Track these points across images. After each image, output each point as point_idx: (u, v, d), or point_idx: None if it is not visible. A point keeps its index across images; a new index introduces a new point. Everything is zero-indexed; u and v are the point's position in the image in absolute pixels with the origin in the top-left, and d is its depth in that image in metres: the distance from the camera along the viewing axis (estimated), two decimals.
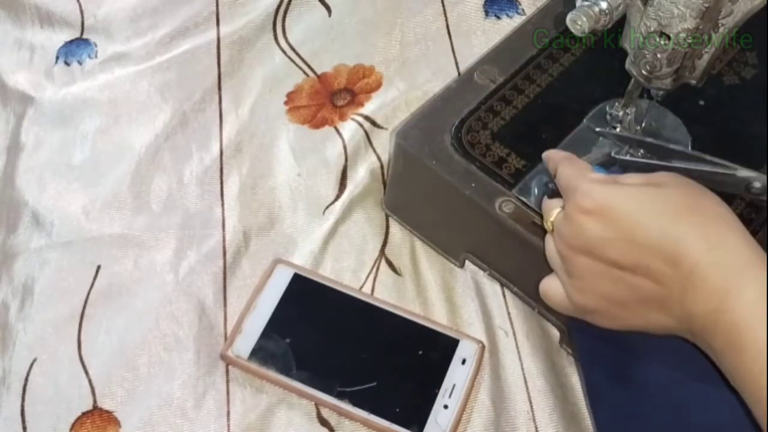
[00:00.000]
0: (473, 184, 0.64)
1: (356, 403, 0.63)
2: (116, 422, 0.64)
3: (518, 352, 0.67)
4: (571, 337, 0.65)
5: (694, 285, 0.47)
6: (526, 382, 0.66)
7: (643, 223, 0.49)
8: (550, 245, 0.56)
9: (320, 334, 0.66)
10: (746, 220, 0.62)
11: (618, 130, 0.65)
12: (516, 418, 0.64)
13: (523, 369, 0.66)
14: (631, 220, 0.49)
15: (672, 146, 0.59)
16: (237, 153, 0.78)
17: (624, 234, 0.49)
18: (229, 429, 0.64)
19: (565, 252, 0.53)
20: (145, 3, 0.89)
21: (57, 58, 0.85)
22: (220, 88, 0.83)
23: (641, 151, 0.61)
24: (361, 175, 0.76)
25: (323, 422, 0.64)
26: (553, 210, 0.56)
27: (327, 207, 0.75)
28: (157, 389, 0.66)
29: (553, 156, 0.59)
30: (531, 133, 0.66)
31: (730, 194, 0.62)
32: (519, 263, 0.66)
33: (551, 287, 0.56)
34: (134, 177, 0.77)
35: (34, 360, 0.67)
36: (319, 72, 0.84)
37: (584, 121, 0.66)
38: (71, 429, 0.64)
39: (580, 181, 0.53)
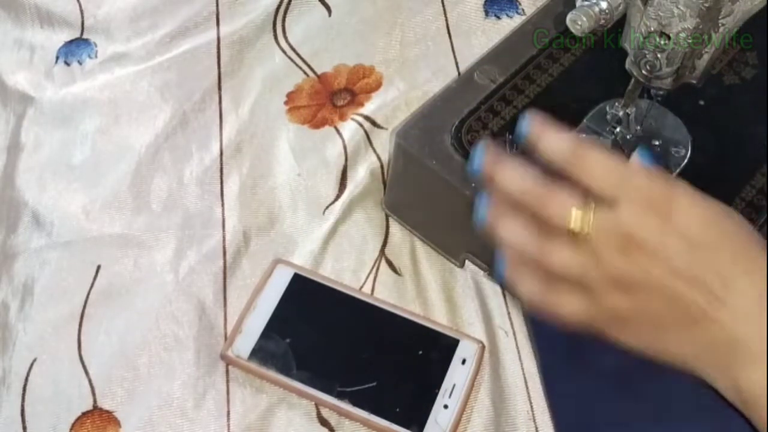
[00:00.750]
0: (473, 184, 0.64)
1: (356, 403, 0.63)
2: (116, 422, 0.64)
3: (518, 352, 0.67)
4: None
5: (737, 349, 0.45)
6: (526, 382, 0.66)
7: (713, 238, 0.47)
8: (574, 257, 0.46)
9: (320, 334, 0.66)
10: (746, 220, 0.62)
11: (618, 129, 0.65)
12: (516, 418, 0.64)
13: (523, 369, 0.66)
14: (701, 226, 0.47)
15: None
16: (237, 153, 0.78)
17: (693, 241, 0.46)
18: (229, 429, 0.64)
19: (605, 287, 0.45)
20: (145, 3, 0.88)
21: (57, 58, 0.85)
22: (220, 88, 0.83)
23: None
24: (361, 175, 0.76)
25: (323, 422, 0.64)
26: (572, 207, 0.45)
27: (327, 207, 0.75)
28: (157, 389, 0.66)
29: (551, 135, 0.48)
30: None
31: (731, 194, 0.63)
32: None
33: (569, 305, 0.49)
34: (134, 177, 0.77)
35: (34, 360, 0.67)
36: (319, 72, 0.84)
37: (584, 121, 0.66)
38: (71, 429, 0.64)
39: (631, 172, 0.46)
